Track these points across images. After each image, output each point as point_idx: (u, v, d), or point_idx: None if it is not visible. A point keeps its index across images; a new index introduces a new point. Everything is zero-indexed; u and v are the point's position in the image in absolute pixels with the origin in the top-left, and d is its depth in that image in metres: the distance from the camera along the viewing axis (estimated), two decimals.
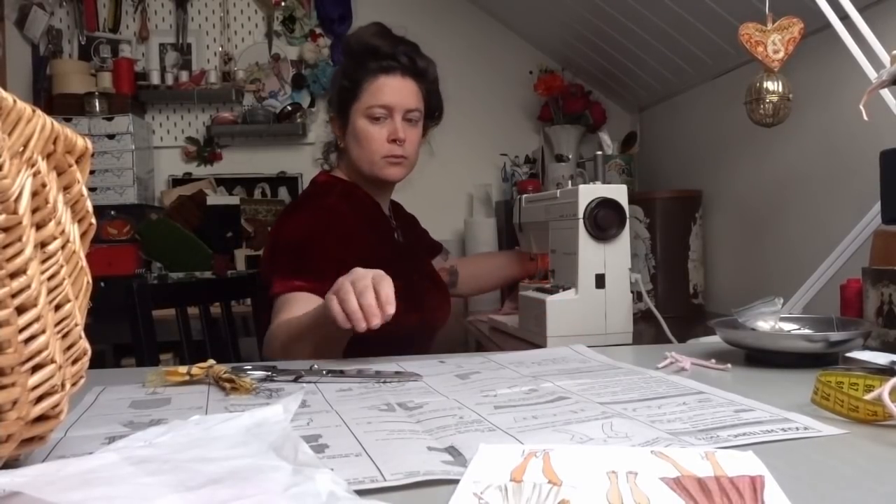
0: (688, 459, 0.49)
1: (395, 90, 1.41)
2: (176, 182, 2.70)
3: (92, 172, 0.65)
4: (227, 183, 2.71)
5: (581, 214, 1.25)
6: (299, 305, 1.23)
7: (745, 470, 0.47)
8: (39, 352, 0.47)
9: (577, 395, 0.73)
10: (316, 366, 0.90)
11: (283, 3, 2.75)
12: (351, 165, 1.48)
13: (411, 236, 1.65)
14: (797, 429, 0.58)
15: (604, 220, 1.24)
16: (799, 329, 0.96)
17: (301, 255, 1.31)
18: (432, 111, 1.53)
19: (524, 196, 1.63)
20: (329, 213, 1.38)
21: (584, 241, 1.25)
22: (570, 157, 2.53)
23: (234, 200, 2.58)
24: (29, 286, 0.45)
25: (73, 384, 0.54)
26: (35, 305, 0.46)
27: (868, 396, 0.60)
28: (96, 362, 0.62)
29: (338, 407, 0.71)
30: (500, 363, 0.93)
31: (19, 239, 0.45)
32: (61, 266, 0.50)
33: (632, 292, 1.27)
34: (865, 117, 0.92)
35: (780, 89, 1.16)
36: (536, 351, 1.07)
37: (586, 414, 0.65)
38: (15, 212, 0.44)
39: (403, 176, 1.47)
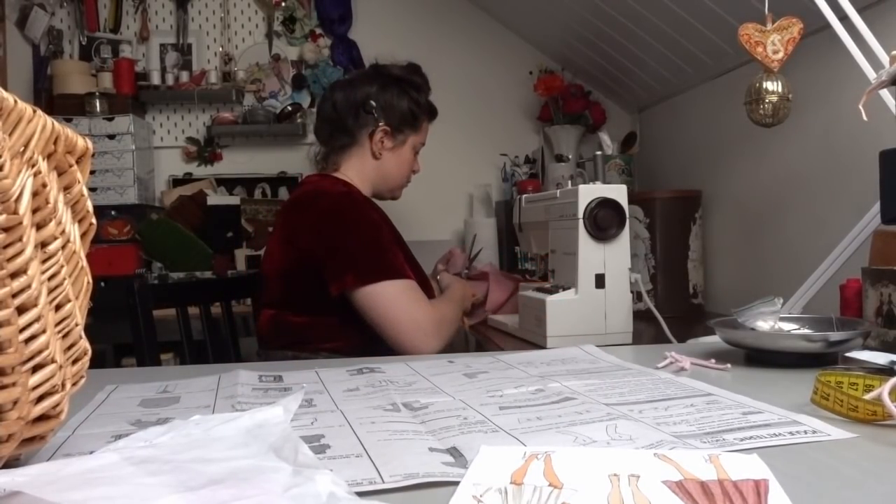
0: (691, 462, 0.49)
1: None
2: (176, 182, 2.70)
3: (92, 172, 0.65)
4: (228, 183, 2.71)
5: (581, 214, 1.25)
6: (420, 290, 1.43)
7: (750, 473, 0.47)
8: (40, 352, 0.47)
9: (583, 396, 0.72)
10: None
11: (283, 4, 2.75)
12: (369, 173, 1.60)
13: None
14: (805, 432, 0.58)
15: (604, 220, 1.25)
16: (798, 329, 0.96)
17: (378, 248, 1.43)
18: None
19: (524, 196, 1.63)
20: (360, 204, 1.51)
21: (584, 241, 1.25)
22: (570, 157, 2.53)
23: (234, 200, 2.58)
24: (29, 286, 0.45)
25: (74, 384, 0.54)
26: (35, 305, 0.46)
27: (868, 396, 0.60)
28: (96, 362, 0.62)
29: (343, 406, 0.71)
30: (509, 363, 0.93)
31: (20, 239, 0.45)
32: (62, 266, 0.50)
33: (631, 292, 1.27)
34: (865, 117, 0.92)
35: (780, 89, 1.15)
36: (546, 351, 1.06)
37: (591, 415, 0.64)
38: (15, 212, 0.44)
39: None
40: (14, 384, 0.46)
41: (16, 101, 0.44)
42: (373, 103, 1.57)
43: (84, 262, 0.55)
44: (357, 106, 1.57)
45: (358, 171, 1.59)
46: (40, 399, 0.48)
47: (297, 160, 2.71)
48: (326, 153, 1.63)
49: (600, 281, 1.25)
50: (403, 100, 1.60)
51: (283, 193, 2.71)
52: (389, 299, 1.38)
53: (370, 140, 1.58)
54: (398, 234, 1.61)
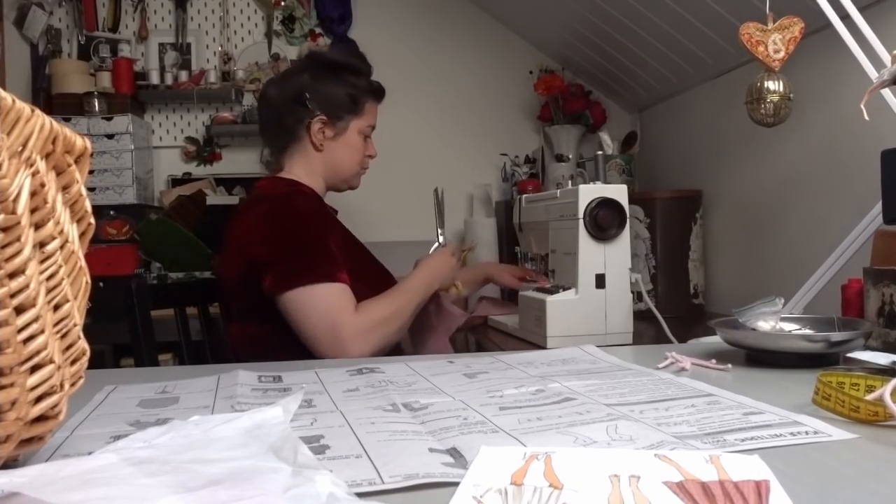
0: (692, 463, 0.48)
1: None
2: (175, 182, 2.70)
3: (91, 172, 0.64)
4: (227, 183, 2.71)
5: (581, 214, 1.25)
6: (348, 294, 1.35)
7: (751, 474, 0.46)
8: (38, 352, 0.47)
9: (584, 397, 0.72)
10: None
11: (282, 3, 2.75)
12: (317, 167, 1.53)
13: None
14: (806, 433, 0.58)
15: (604, 220, 1.24)
16: (800, 329, 0.96)
17: (305, 251, 1.38)
18: None
19: (524, 196, 1.63)
20: (295, 205, 1.45)
21: (584, 241, 1.25)
22: (570, 157, 2.53)
23: (233, 200, 2.57)
24: (28, 286, 0.45)
25: (72, 385, 0.54)
26: (34, 305, 0.46)
27: (869, 397, 0.60)
28: (95, 362, 0.61)
29: (343, 407, 0.71)
30: (509, 363, 0.93)
31: (18, 239, 0.45)
32: (60, 266, 0.50)
33: (632, 292, 1.27)
34: (866, 117, 0.92)
35: (781, 89, 1.15)
36: (546, 351, 1.06)
37: (592, 416, 0.64)
38: (13, 212, 0.44)
39: None
40: (12, 385, 0.45)
41: (14, 101, 0.44)
42: (307, 95, 1.50)
43: (83, 262, 0.55)
44: (291, 100, 1.51)
45: (305, 167, 1.54)
46: (39, 400, 0.48)
47: None
48: (272, 153, 1.59)
49: (600, 281, 1.25)
50: (339, 85, 1.52)
51: None
52: (307, 305, 1.32)
53: (308, 133, 1.52)
54: (348, 234, 1.56)
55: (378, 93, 1.58)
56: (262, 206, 1.46)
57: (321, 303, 1.32)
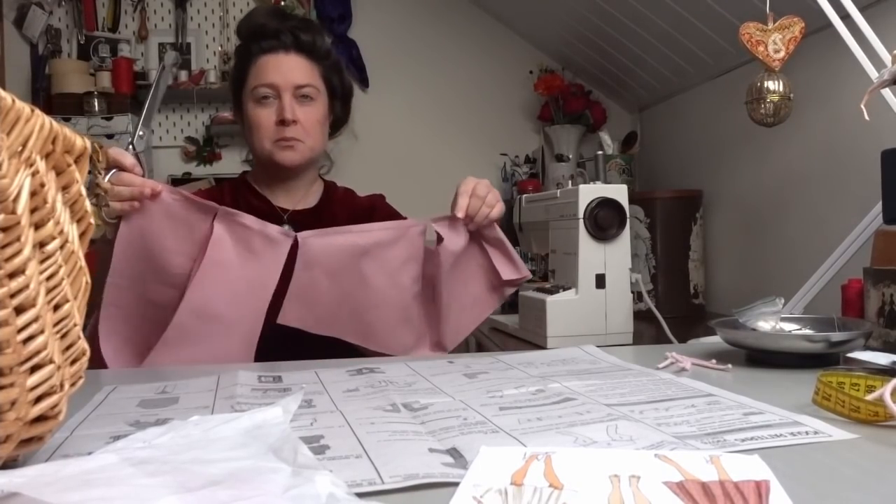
0: (692, 463, 0.48)
1: (279, 68, 1.27)
2: (175, 182, 2.70)
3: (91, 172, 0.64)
4: None
5: (581, 214, 1.25)
6: None
7: (751, 474, 0.46)
8: (38, 352, 0.47)
9: (584, 397, 0.72)
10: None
11: (282, 3, 2.75)
12: (254, 156, 1.41)
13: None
14: (806, 433, 0.58)
15: (604, 220, 1.24)
16: (800, 329, 0.96)
17: None
18: (335, 90, 1.36)
19: (524, 196, 1.63)
20: None
21: (585, 241, 1.25)
22: (571, 156, 2.53)
23: None
24: (28, 286, 0.45)
25: (72, 385, 0.54)
26: (34, 305, 0.46)
27: (869, 397, 0.60)
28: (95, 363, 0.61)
29: (343, 407, 0.70)
30: (509, 363, 0.93)
31: (18, 239, 0.45)
32: (60, 266, 0.50)
33: (632, 292, 1.27)
34: (866, 117, 0.92)
35: (781, 89, 1.15)
36: (546, 351, 1.06)
37: (592, 416, 0.64)
38: (13, 212, 0.44)
39: (300, 160, 1.31)
40: (12, 385, 0.45)
41: (14, 101, 0.44)
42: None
43: (83, 262, 0.55)
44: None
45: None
46: (38, 400, 0.48)
47: None
48: None
49: (601, 281, 1.25)
50: (233, 59, 1.37)
51: None
52: None
53: None
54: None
55: (256, 49, 1.29)
56: None
57: None
